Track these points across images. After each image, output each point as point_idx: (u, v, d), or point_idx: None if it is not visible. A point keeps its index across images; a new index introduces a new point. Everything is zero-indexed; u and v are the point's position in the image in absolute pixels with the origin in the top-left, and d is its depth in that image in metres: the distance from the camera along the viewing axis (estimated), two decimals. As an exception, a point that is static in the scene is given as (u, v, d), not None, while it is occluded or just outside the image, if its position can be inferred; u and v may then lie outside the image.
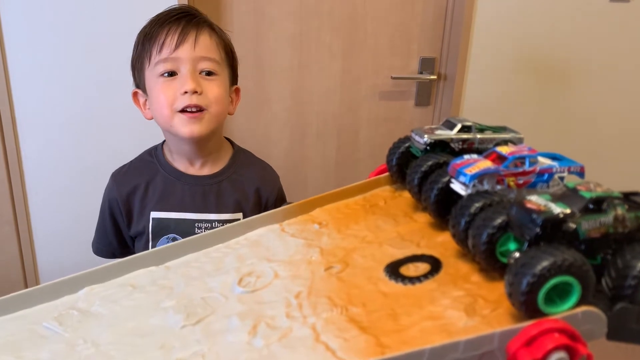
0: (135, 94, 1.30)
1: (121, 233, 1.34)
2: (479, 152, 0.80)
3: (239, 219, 1.26)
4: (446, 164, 0.78)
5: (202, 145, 1.26)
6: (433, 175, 0.78)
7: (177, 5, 1.29)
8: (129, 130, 1.99)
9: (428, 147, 0.83)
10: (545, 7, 2.25)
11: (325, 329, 0.62)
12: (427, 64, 2.32)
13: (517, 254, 0.58)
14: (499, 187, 0.71)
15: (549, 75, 2.36)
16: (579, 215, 0.58)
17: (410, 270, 0.71)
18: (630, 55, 2.39)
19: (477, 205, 0.67)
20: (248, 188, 1.32)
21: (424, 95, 2.36)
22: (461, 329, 0.59)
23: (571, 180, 0.69)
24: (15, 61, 1.93)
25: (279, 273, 0.74)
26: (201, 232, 1.25)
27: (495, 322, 0.59)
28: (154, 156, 1.33)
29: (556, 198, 0.61)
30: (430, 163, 0.80)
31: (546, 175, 0.72)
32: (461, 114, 2.32)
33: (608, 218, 0.58)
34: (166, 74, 1.19)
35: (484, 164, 0.72)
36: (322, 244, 0.80)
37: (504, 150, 0.73)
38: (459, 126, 0.84)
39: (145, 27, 1.24)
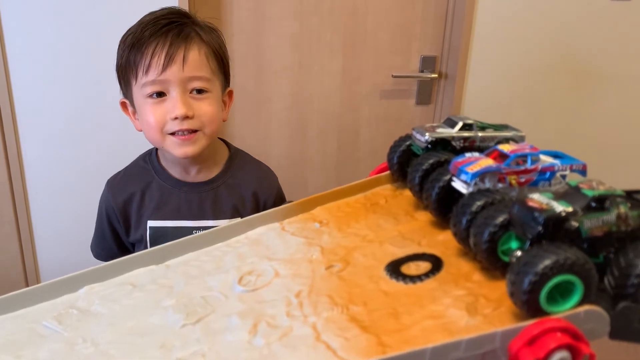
0: (123, 104, 1.26)
1: (121, 239, 1.33)
2: (480, 150, 0.80)
3: None
4: (447, 162, 0.78)
5: (195, 157, 1.23)
6: (434, 173, 0.78)
7: (165, 9, 1.22)
8: (129, 130, 1.98)
9: (429, 146, 0.83)
10: (546, 5, 2.24)
11: (326, 328, 0.61)
12: (428, 63, 2.32)
13: (519, 253, 0.58)
14: (500, 185, 0.71)
15: (549, 73, 2.35)
16: (582, 214, 0.58)
17: (411, 269, 0.70)
18: (632, 54, 2.38)
19: (478, 203, 0.67)
20: (245, 192, 1.30)
21: (425, 93, 2.36)
22: (463, 328, 0.59)
23: (573, 178, 0.69)
24: (15, 61, 1.92)
25: (279, 272, 0.74)
26: None
27: (497, 321, 0.59)
28: (148, 162, 1.31)
29: (558, 196, 0.61)
30: (431, 161, 0.80)
31: (548, 174, 0.72)
32: (462, 113, 2.32)
33: (611, 216, 0.58)
34: (154, 95, 1.14)
35: (486, 162, 0.71)
36: (322, 242, 0.80)
37: (505, 148, 0.72)
38: (460, 124, 0.83)
39: (129, 35, 1.18)
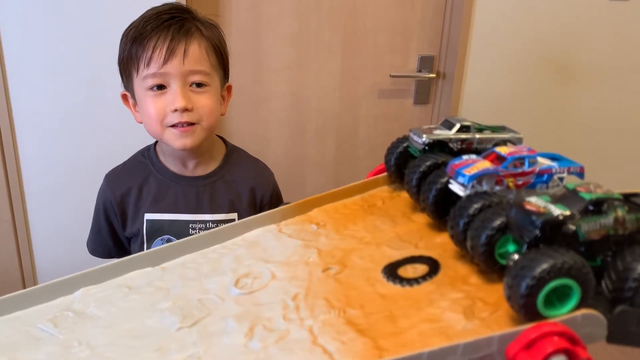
0: (124, 96, 1.28)
1: (116, 234, 1.34)
2: (477, 152, 0.80)
3: (234, 219, 1.27)
4: (445, 164, 0.77)
5: (194, 151, 1.25)
6: (431, 175, 0.78)
7: (167, 4, 1.25)
8: (126, 128, 1.98)
9: (426, 147, 0.83)
10: (544, 4, 2.24)
11: (323, 332, 0.61)
12: (426, 62, 2.32)
13: (516, 256, 0.58)
14: (498, 187, 0.71)
15: (548, 73, 2.35)
16: (579, 217, 0.57)
17: (408, 271, 0.70)
18: (630, 54, 2.38)
19: (475, 206, 0.67)
20: (242, 187, 1.32)
21: (423, 93, 2.36)
22: (460, 332, 0.59)
23: (571, 181, 0.68)
24: (12, 59, 1.92)
25: (276, 274, 0.73)
26: (195, 233, 1.25)
27: (495, 324, 0.59)
28: (146, 157, 1.33)
29: (556, 199, 0.60)
30: (428, 163, 0.80)
31: (545, 176, 0.71)
32: (460, 113, 2.32)
33: (608, 220, 0.58)
34: (155, 88, 1.17)
35: (483, 164, 0.71)
36: (319, 244, 0.79)
37: (503, 150, 0.72)
38: (457, 126, 0.83)
39: (131, 29, 1.21)
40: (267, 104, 2.27)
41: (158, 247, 0.80)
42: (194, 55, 1.17)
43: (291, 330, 0.62)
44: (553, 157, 0.75)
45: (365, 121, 2.37)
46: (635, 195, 0.63)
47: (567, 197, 0.60)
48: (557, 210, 0.58)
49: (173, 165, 1.30)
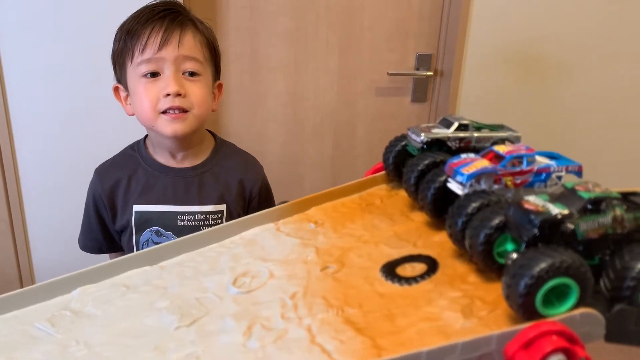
0: (116, 89, 1.30)
1: (107, 228, 1.35)
2: (476, 150, 0.80)
3: (222, 211, 1.28)
4: (443, 162, 0.77)
5: (184, 141, 1.26)
6: (430, 174, 0.78)
7: (162, 1, 1.27)
8: (124, 128, 1.98)
9: (425, 146, 0.83)
10: (542, 2, 2.24)
11: (321, 330, 0.61)
12: (423, 60, 2.32)
13: (514, 255, 0.58)
14: (496, 186, 0.71)
15: (546, 71, 2.35)
16: (577, 216, 0.57)
17: (406, 270, 0.70)
18: (627, 50, 2.38)
19: (474, 205, 0.66)
20: (231, 179, 1.32)
21: (421, 91, 2.36)
22: (458, 331, 0.59)
23: (569, 179, 0.68)
24: (9, 60, 1.92)
25: (274, 273, 0.73)
26: (184, 224, 1.26)
27: (493, 323, 0.59)
28: (136, 150, 1.34)
29: (554, 198, 0.60)
30: (427, 162, 0.80)
31: (544, 175, 0.71)
32: (458, 110, 2.32)
33: (606, 219, 0.58)
34: (149, 75, 1.18)
35: (481, 163, 0.71)
36: (318, 243, 0.79)
37: (501, 149, 0.72)
38: (455, 124, 0.83)
39: (127, 22, 1.23)
40: (264, 102, 2.27)
41: (156, 246, 0.80)
42: (189, 43, 1.20)
43: (289, 329, 0.62)
44: (551, 156, 0.75)
45: (362, 119, 2.37)
46: (633, 194, 0.63)
47: (566, 196, 0.60)
48: (555, 209, 0.58)
49: (162, 157, 1.31)
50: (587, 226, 0.57)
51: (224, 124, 2.26)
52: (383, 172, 0.94)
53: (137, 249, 1.27)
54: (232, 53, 2.17)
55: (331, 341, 0.59)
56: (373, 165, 0.98)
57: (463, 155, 0.74)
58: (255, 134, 2.30)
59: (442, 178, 0.75)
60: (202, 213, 1.27)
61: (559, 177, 0.72)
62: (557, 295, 0.55)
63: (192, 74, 1.20)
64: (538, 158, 0.73)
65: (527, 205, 0.59)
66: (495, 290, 0.63)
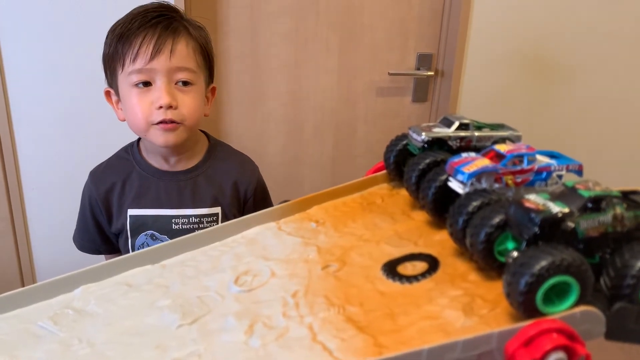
0: (107, 93, 1.28)
1: (103, 230, 1.34)
2: (476, 150, 0.80)
3: (217, 214, 1.28)
4: (444, 162, 0.77)
5: (176, 148, 1.25)
6: (431, 173, 0.78)
7: (155, 3, 1.25)
8: (124, 127, 1.98)
9: (426, 145, 0.83)
10: (542, 2, 2.24)
11: (322, 329, 0.61)
12: (424, 60, 2.32)
13: (515, 254, 0.58)
14: (497, 185, 0.71)
15: (547, 71, 2.35)
16: (578, 215, 0.58)
17: (407, 269, 0.70)
18: (628, 51, 2.38)
19: (475, 204, 0.67)
20: (225, 182, 1.32)
21: (422, 91, 2.36)
22: (459, 329, 0.59)
23: (570, 178, 0.69)
24: (11, 58, 1.92)
25: (275, 272, 0.73)
26: (178, 227, 1.26)
27: (494, 321, 0.59)
28: (129, 153, 1.33)
29: (555, 197, 0.61)
30: (428, 161, 0.80)
31: (544, 174, 0.72)
32: (458, 110, 2.32)
33: (607, 217, 0.58)
34: (141, 84, 1.17)
35: (482, 162, 0.71)
36: (319, 242, 0.79)
37: (502, 148, 0.72)
38: (456, 124, 0.83)
39: (118, 26, 1.20)
40: (264, 102, 2.27)
41: (158, 244, 0.80)
42: (181, 53, 1.18)
43: (291, 328, 0.62)
44: (552, 155, 0.75)
45: (363, 119, 2.37)
46: (633, 192, 0.64)
47: (566, 194, 0.61)
48: (556, 208, 0.58)
49: (155, 161, 1.30)
50: (588, 224, 0.58)
51: (225, 124, 2.26)
52: (384, 172, 0.94)
53: None
54: (233, 53, 2.17)
55: (332, 339, 0.60)
56: (374, 164, 0.98)
57: (464, 154, 0.74)
58: (256, 134, 2.30)
59: (443, 177, 0.75)
60: (196, 216, 1.27)
61: (560, 176, 0.73)
62: (557, 294, 0.56)
63: (185, 83, 1.18)
64: (539, 157, 0.73)
65: (527, 204, 0.60)
66: (495, 289, 0.63)
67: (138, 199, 1.28)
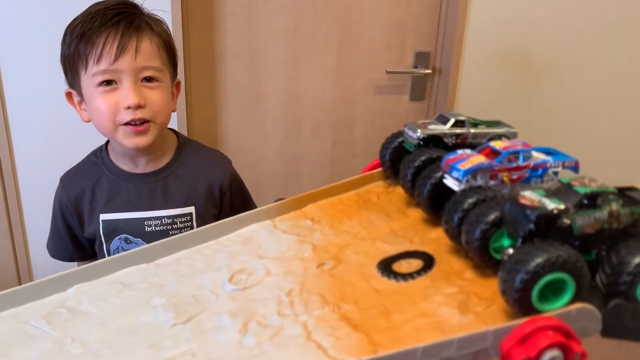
0: (69, 94, 1.24)
1: (76, 237, 1.32)
2: (472, 147, 0.80)
3: (191, 213, 1.26)
4: (439, 159, 0.77)
5: (145, 148, 1.22)
6: (426, 170, 0.78)
7: (112, 1, 1.19)
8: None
9: (421, 142, 0.82)
10: (540, 1, 2.24)
11: (317, 327, 0.61)
12: (421, 58, 2.31)
13: (510, 251, 0.58)
14: (492, 182, 0.70)
15: (544, 69, 2.35)
16: (573, 211, 0.57)
17: (402, 266, 0.70)
18: (624, 49, 2.38)
19: (470, 201, 0.66)
20: (196, 180, 1.29)
21: (419, 89, 2.35)
22: (454, 327, 0.59)
23: (566, 175, 0.68)
24: (7, 58, 1.91)
25: (270, 270, 0.73)
26: (152, 230, 1.25)
27: (489, 319, 0.59)
28: (98, 157, 1.31)
29: (550, 193, 0.60)
30: (423, 158, 0.80)
31: (540, 170, 0.71)
32: (456, 108, 2.32)
33: (603, 214, 0.58)
34: (104, 83, 1.13)
35: (478, 159, 0.71)
36: (314, 240, 0.79)
37: (497, 145, 0.72)
38: (452, 121, 0.83)
39: (77, 24, 1.16)
40: (262, 101, 2.27)
41: (152, 243, 0.80)
42: (146, 51, 1.15)
43: (285, 326, 0.62)
44: (548, 152, 0.75)
45: (361, 117, 2.37)
46: (629, 189, 0.63)
47: (562, 191, 0.60)
48: (551, 204, 0.58)
49: (124, 163, 1.28)
50: (583, 221, 0.57)
51: (222, 122, 2.26)
52: (380, 169, 0.94)
53: None
54: (230, 52, 2.16)
55: (327, 338, 0.59)
56: (370, 162, 0.98)
57: (459, 151, 0.74)
58: (254, 133, 2.30)
59: (438, 174, 0.75)
60: (169, 217, 1.25)
61: (556, 173, 0.72)
62: (553, 291, 0.55)
63: (150, 79, 1.16)
64: (534, 154, 0.73)
65: (523, 201, 0.59)
66: (491, 286, 0.63)
67: (109, 203, 1.25)
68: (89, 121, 1.21)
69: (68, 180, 1.32)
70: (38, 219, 2.13)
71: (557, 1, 2.25)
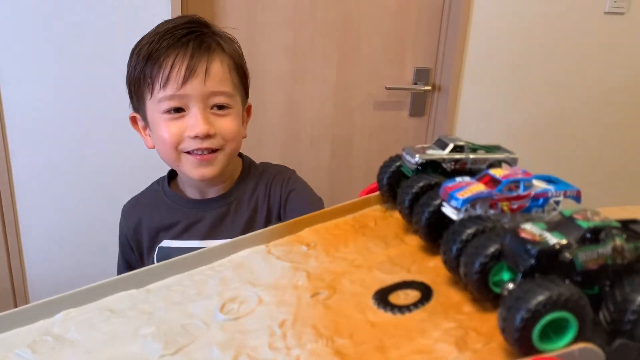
0: (133, 119, 1.19)
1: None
2: (471, 172, 0.78)
3: None
4: (438, 185, 0.75)
5: (214, 178, 1.16)
6: (424, 197, 0.76)
7: (183, 17, 1.15)
8: (123, 137, 1.96)
9: (419, 167, 0.81)
10: (541, 18, 2.23)
11: (310, 362, 0.59)
12: (421, 75, 2.30)
13: (510, 285, 0.56)
14: (492, 211, 0.68)
15: (544, 86, 2.34)
16: (576, 246, 0.55)
17: (400, 298, 0.68)
18: (625, 67, 2.37)
19: (469, 231, 0.64)
20: (258, 203, 1.22)
21: (419, 105, 2.35)
22: (452, 364, 0.57)
23: (567, 204, 0.67)
24: (4, 65, 1.90)
25: (263, 299, 0.71)
26: None
27: (488, 357, 0.57)
28: (160, 184, 1.26)
29: (552, 227, 0.58)
30: (421, 184, 0.78)
31: (541, 200, 0.69)
32: (456, 125, 2.31)
33: (606, 249, 0.56)
34: (172, 111, 1.08)
35: (477, 187, 0.69)
36: (309, 267, 0.77)
37: (497, 173, 0.70)
38: (451, 146, 0.81)
39: (144, 45, 1.10)
40: (262, 113, 2.26)
41: (142, 268, 0.78)
42: (217, 74, 1.09)
43: None
44: (549, 180, 0.73)
45: (360, 132, 2.36)
46: (633, 222, 0.61)
47: (564, 224, 0.58)
48: (553, 239, 0.56)
49: (188, 191, 1.22)
50: (586, 256, 0.55)
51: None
52: (377, 193, 0.92)
53: None
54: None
55: None
56: (370, 179, 0.96)
57: (458, 179, 0.72)
58: (253, 144, 2.28)
59: (437, 202, 0.73)
60: None
61: (557, 202, 0.70)
62: (554, 329, 0.53)
63: (221, 106, 1.10)
64: (535, 182, 0.71)
65: (523, 234, 0.57)
66: (490, 321, 0.61)
67: (165, 232, 1.20)
68: (153, 148, 1.16)
69: (127, 210, 1.27)
70: (34, 229, 2.11)
71: (559, 20, 2.25)
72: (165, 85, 1.06)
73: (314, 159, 2.36)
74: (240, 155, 1.29)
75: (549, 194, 0.70)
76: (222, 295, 0.73)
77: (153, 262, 1.19)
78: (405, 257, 0.77)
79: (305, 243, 0.83)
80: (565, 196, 0.70)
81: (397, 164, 0.86)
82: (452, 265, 0.66)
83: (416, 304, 0.66)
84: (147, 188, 1.30)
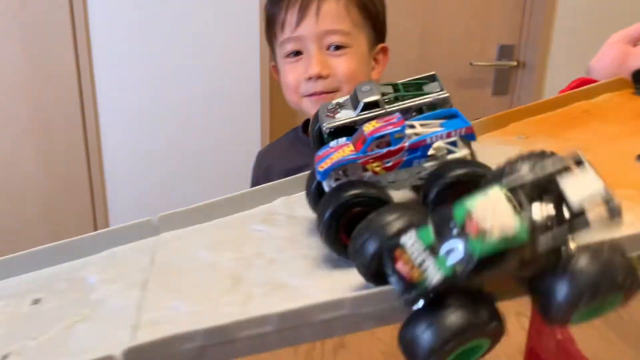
0: (274, 67, 1.18)
1: None
2: None
3: None
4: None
5: None
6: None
7: None
8: (210, 125, 2.02)
9: (330, 137, 0.71)
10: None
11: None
12: (505, 52, 2.19)
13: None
14: (368, 174, 0.59)
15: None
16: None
17: None
18: None
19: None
20: None
21: (502, 83, 2.23)
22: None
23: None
24: (99, 53, 1.99)
25: None
26: None
27: None
28: (295, 131, 1.24)
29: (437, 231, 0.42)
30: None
31: (420, 150, 0.57)
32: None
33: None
34: (291, 54, 1.06)
35: (341, 153, 0.57)
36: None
37: (367, 129, 0.60)
38: (361, 105, 0.71)
39: None
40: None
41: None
42: (329, 12, 1.04)
43: None
44: (450, 115, 0.60)
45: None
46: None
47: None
48: (436, 275, 0.41)
49: None
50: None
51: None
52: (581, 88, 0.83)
53: None
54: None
55: None
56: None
57: (332, 143, 0.61)
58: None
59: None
60: None
61: (454, 143, 0.58)
62: None
63: (338, 47, 1.05)
64: (420, 127, 0.59)
65: (400, 264, 0.44)
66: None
67: (295, 175, 1.17)
68: None
69: (260, 155, 1.28)
70: (123, 214, 2.19)
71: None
72: (283, 28, 1.06)
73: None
74: None
75: (428, 141, 0.57)
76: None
77: None
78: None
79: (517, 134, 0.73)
80: (450, 137, 0.57)
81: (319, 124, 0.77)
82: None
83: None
84: (282, 136, 1.29)
